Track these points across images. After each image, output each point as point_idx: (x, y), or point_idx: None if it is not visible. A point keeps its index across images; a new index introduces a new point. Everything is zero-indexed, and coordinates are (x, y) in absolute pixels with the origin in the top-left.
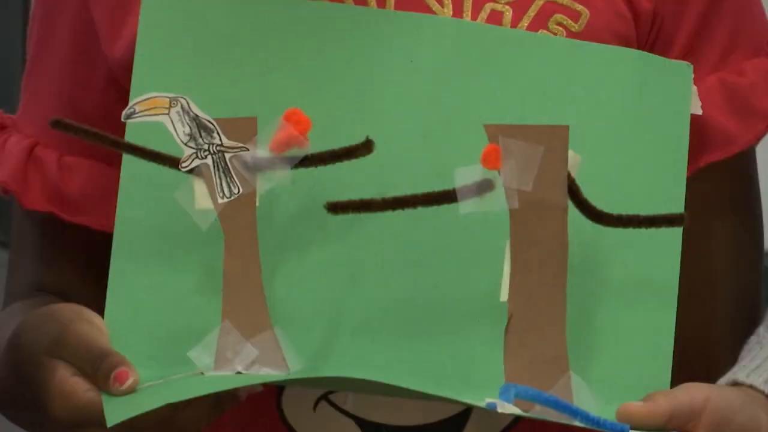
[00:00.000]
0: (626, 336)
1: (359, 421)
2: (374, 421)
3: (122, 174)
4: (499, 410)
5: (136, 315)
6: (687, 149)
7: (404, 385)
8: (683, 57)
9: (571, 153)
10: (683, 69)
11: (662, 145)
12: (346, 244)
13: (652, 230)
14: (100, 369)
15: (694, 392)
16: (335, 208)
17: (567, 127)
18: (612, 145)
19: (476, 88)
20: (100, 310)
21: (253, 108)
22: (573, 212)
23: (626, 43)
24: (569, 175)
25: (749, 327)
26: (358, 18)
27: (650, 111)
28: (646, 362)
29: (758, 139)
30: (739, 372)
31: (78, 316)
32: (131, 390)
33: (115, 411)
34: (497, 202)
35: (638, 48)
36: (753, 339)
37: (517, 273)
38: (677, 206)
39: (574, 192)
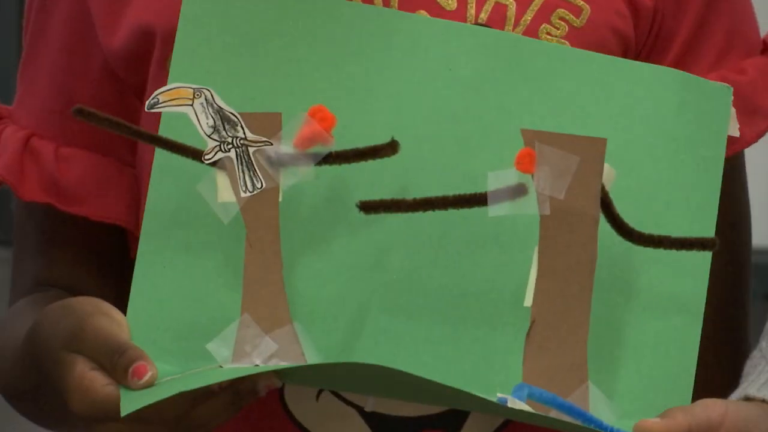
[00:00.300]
0: (650, 352)
1: (362, 411)
2: (376, 410)
3: (153, 167)
4: (510, 405)
5: (160, 308)
6: (722, 171)
7: (424, 376)
8: (682, 55)
9: (606, 166)
10: (722, 91)
11: (697, 166)
12: (369, 242)
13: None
14: (118, 363)
15: (711, 407)
16: (367, 207)
17: (605, 140)
18: (646, 164)
19: (512, 100)
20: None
21: (284, 104)
22: (603, 225)
23: (625, 40)
24: (603, 188)
25: (734, 322)
26: (397, 22)
27: (687, 131)
28: (668, 379)
29: (760, 137)
30: (749, 387)
31: (97, 309)
32: (150, 384)
33: (131, 402)
34: (529, 207)
35: (638, 46)
36: (756, 354)
37: (543, 279)
38: (708, 228)
39: (607, 205)
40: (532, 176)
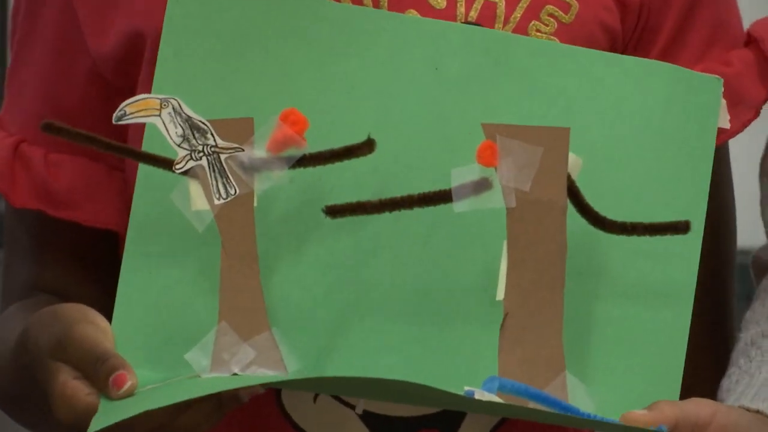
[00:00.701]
0: (637, 344)
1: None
2: (374, 411)
3: (138, 175)
4: (477, 397)
5: (144, 317)
6: (711, 163)
7: (401, 378)
8: (668, 48)
9: (572, 156)
10: (713, 83)
11: (687, 159)
12: (345, 244)
13: (670, 236)
14: (100, 371)
15: (701, 406)
16: (333, 212)
17: (568, 130)
18: (636, 158)
19: (499, 98)
20: (96, 308)
21: (268, 106)
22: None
23: (612, 34)
24: (569, 176)
25: (719, 319)
26: (382, 21)
27: (676, 124)
28: (656, 372)
29: (745, 126)
30: (741, 398)
31: (83, 317)
32: (129, 394)
33: (104, 416)
34: (494, 201)
35: (624, 40)
36: (734, 371)
37: (514, 272)
38: (699, 217)
39: (574, 194)
40: (496, 169)
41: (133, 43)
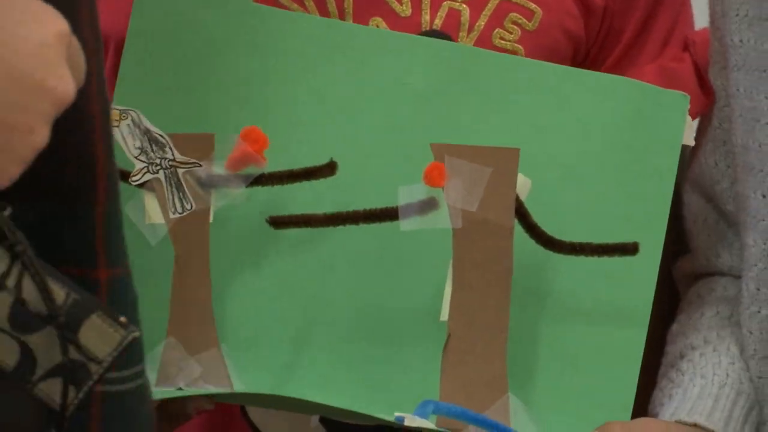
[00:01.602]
0: (589, 364)
1: (320, 417)
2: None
3: None
4: (407, 423)
5: None
6: (674, 180)
7: (329, 403)
8: (629, 49)
9: (521, 177)
10: (679, 99)
11: (650, 176)
12: (298, 263)
13: (628, 257)
14: None
15: (651, 426)
16: (276, 223)
17: (518, 150)
18: (599, 174)
19: (466, 114)
20: None
21: (233, 119)
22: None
23: (576, 40)
24: (517, 197)
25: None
26: (350, 35)
27: (641, 141)
28: (608, 393)
29: (697, 114)
30: (678, 412)
31: None
32: None
33: None
34: (440, 221)
35: (588, 44)
36: (666, 385)
37: (459, 293)
38: (658, 236)
39: (523, 215)
40: (444, 190)
41: None
